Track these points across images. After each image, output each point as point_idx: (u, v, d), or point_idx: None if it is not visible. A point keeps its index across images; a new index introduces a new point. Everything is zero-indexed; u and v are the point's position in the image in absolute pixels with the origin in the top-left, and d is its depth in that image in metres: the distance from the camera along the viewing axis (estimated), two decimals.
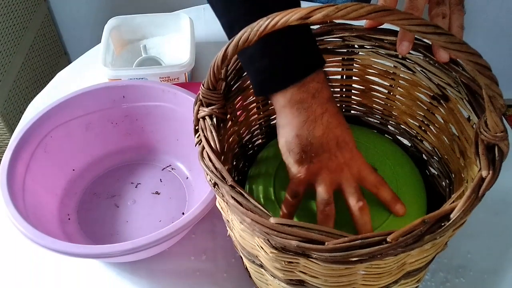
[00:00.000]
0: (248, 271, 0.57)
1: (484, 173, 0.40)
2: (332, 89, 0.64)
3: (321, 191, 0.51)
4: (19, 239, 0.57)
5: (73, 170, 0.71)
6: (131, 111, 0.73)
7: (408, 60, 0.56)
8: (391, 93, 0.61)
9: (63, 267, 0.63)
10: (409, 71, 0.57)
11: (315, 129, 0.50)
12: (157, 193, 0.71)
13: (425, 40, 0.52)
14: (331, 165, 0.51)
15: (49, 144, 0.67)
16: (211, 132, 0.46)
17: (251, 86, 0.58)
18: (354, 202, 0.50)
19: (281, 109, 0.50)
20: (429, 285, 0.60)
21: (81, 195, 0.71)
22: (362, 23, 0.50)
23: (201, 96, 0.48)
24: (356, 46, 0.59)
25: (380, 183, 0.53)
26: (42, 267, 0.63)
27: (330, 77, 0.63)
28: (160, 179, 0.73)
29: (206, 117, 0.47)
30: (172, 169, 0.74)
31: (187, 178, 0.72)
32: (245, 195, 0.41)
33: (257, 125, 0.63)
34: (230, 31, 0.51)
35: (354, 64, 0.61)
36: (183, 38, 0.91)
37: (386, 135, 0.65)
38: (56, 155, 0.68)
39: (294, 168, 0.51)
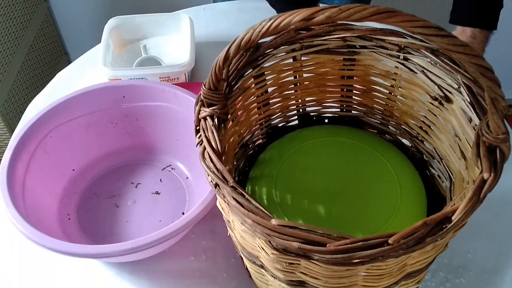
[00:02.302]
0: (248, 271, 0.57)
1: (485, 175, 0.40)
2: (332, 89, 0.64)
3: None
4: (19, 239, 0.57)
5: (73, 170, 0.71)
6: (131, 111, 0.73)
7: (409, 61, 0.56)
8: (392, 94, 0.61)
9: (63, 267, 0.63)
10: (410, 72, 0.57)
11: None
12: (157, 193, 0.71)
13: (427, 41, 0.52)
14: None
15: (49, 144, 0.67)
16: (213, 133, 0.46)
17: (252, 86, 0.58)
18: None
19: None
20: (429, 285, 0.60)
21: (81, 195, 0.71)
22: (364, 23, 0.50)
23: (202, 97, 0.48)
24: (357, 46, 0.59)
25: None
26: (42, 267, 0.63)
27: (331, 77, 0.63)
28: (160, 179, 0.72)
29: (208, 118, 0.47)
30: (172, 169, 0.74)
31: (187, 178, 0.72)
32: (247, 196, 0.41)
33: (258, 125, 0.63)
34: None
35: (355, 64, 0.61)
36: (183, 38, 0.91)
37: (386, 135, 0.65)
38: (56, 155, 0.68)
39: None
